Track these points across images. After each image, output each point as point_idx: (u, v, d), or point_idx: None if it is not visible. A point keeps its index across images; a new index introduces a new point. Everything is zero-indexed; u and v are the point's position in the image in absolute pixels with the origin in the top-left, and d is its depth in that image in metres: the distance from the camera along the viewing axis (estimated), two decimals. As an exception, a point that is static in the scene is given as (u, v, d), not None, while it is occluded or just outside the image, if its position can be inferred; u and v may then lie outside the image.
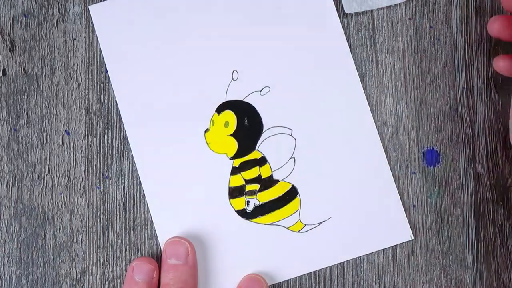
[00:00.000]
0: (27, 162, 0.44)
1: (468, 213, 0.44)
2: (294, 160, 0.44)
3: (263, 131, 0.44)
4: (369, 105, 0.45)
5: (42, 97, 0.44)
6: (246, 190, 0.44)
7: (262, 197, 0.44)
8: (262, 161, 0.44)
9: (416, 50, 0.46)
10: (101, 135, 0.44)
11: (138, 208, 0.44)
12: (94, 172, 0.44)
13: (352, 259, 0.44)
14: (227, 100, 0.45)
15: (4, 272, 0.43)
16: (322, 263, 0.43)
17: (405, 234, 0.44)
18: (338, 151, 0.44)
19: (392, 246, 0.44)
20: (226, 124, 0.44)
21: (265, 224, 0.44)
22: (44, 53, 0.45)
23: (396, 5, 0.46)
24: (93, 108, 0.44)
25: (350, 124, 0.45)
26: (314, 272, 0.43)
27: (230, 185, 0.44)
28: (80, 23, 0.45)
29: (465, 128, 0.45)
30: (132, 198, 0.44)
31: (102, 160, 0.44)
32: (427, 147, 0.45)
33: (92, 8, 0.45)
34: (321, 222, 0.44)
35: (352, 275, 0.44)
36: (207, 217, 0.44)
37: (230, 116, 0.44)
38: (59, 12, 0.45)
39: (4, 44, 0.45)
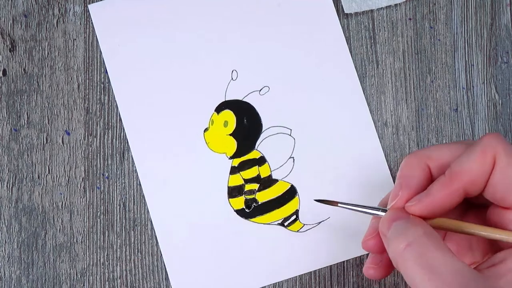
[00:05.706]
0: (27, 162, 0.44)
1: (469, 213, 0.44)
2: (293, 159, 0.44)
3: (262, 130, 0.44)
4: (369, 105, 0.45)
5: (42, 97, 0.45)
6: (245, 190, 0.44)
7: (261, 196, 0.44)
8: (261, 161, 0.44)
9: (416, 50, 0.46)
10: (101, 135, 0.44)
11: (138, 208, 0.44)
12: (94, 172, 0.44)
13: (352, 259, 0.44)
14: (226, 99, 0.45)
15: (4, 272, 0.43)
16: (322, 262, 0.43)
17: (405, 234, 0.44)
18: (337, 151, 0.44)
19: (392, 246, 0.44)
20: (225, 124, 0.44)
21: (264, 223, 0.44)
22: (44, 53, 0.45)
23: (396, 5, 0.46)
24: (93, 108, 0.45)
25: (350, 124, 0.45)
26: (314, 272, 0.43)
27: (229, 185, 0.44)
28: (80, 23, 0.45)
29: (465, 128, 0.45)
30: (132, 198, 0.44)
31: (102, 160, 0.44)
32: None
33: (92, 8, 0.45)
34: (320, 222, 0.43)
35: (352, 275, 0.44)
36: (206, 217, 0.44)
37: (229, 116, 0.44)
38: (59, 12, 0.45)
39: (4, 44, 0.45)
